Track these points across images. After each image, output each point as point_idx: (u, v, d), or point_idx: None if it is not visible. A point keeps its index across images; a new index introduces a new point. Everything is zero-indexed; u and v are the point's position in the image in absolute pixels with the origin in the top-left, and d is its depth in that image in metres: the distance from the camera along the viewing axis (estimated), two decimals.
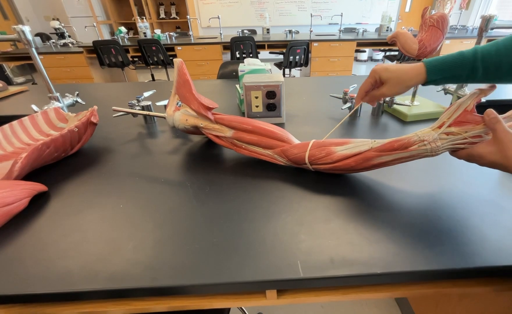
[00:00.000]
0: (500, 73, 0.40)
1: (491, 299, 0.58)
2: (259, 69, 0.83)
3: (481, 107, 0.46)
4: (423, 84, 0.46)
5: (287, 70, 2.98)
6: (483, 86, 0.41)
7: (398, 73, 0.45)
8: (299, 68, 3.01)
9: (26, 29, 0.66)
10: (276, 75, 0.76)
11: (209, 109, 0.56)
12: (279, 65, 3.02)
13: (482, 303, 0.61)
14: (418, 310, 0.90)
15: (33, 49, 0.68)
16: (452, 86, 0.85)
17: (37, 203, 0.48)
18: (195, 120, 0.59)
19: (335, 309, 1.04)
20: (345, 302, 1.07)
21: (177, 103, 0.65)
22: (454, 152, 0.43)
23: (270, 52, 3.23)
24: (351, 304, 1.05)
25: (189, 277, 0.35)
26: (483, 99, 0.80)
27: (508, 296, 0.53)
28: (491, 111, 0.37)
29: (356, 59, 5.31)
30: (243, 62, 0.88)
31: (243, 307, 0.87)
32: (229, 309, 0.59)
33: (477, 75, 0.41)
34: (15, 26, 0.65)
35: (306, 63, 2.89)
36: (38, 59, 0.71)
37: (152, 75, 3.27)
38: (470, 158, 0.40)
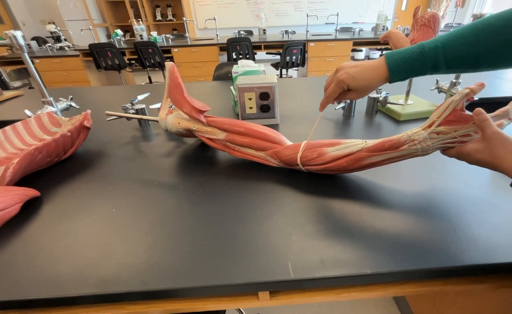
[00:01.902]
0: (461, 66, 0.39)
1: (486, 297, 0.58)
2: (253, 70, 0.83)
3: (474, 105, 0.46)
4: (389, 83, 0.45)
5: (284, 71, 2.99)
6: (472, 84, 0.41)
7: (366, 81, 0.44)
8: (295, 69, 3.01)
9: (18, 34, 0.66)
10: (269, 76, 0.76)
11: (201, 112, 0.57)
12: (275, 65, 3.02)
13: (477, 301, 0.61)
14: (415, 308, 0.91)
15: (25, 54, 0.68)
16: (445, 85, 0.86)
17: (30, 208, 0.48)
18: (187, 123, 0.59)
19: (333, 309, 1.04)
20: (343, 301, 1.07)
21: (170, 106, 0.65)
22: (445, 150, 0.43)
23: (266, 53, 3.23)
24: (349, 304, 1.06)
25: (182, 280, 0.35)
26: (476, 97, 0.81)
27: (502, 293, 0.53)
28: (479, 111, 0.37)
29: (353, 59, 5.32)
30: (237, 64, 0.89)
31: (241, 309, 0.86)
32: (224, 311, 0.59)
33: (440, 70, 0.40)
34: (6, 32, 0.65)
35: (302, 63, 2.89)
36: (30, 64, 0.71)
37: (149, 78, 3.27)
38: (459, 156, 0.41)
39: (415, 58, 0.40)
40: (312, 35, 3.35)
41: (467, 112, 0.40)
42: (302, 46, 2.74)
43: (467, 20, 4.64)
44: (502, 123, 0.41)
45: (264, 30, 3.35)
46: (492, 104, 0.91)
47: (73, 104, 0.86)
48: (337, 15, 3.37)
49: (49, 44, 3.31)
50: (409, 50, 0.41)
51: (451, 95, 0.84)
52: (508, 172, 0.33)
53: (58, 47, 3.28)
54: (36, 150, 0.53)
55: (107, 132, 0.79)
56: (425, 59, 0.40)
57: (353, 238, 0.39)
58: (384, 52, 0.46)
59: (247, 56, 2.85)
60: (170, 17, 4.98)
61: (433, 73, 0.41)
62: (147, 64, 2.91)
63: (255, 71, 0.83)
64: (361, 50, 5.16)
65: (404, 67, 0.41)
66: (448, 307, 0.72)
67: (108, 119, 0.77)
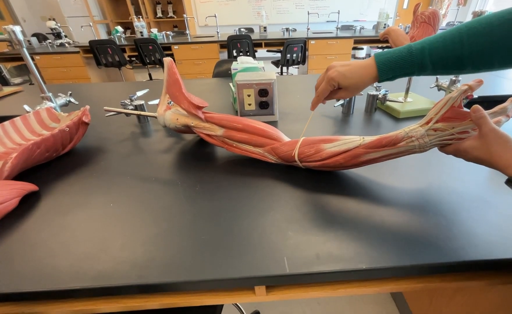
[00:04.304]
0: (447, 67, 0.40)
1: (483, 294, 0.58)
2: (252, 67, 0.83)
3: (473, 103, 0.46)
4: (378, 82, 0.46)
5: (284, 69, 2.98)
6: (470, 81, 0.41)
7: (355, 79, 0.45)
8: (296, 66, 3.00)
9: (17, 29, 0.66)
10: (268, 73, 0.76)
11: (199, 108, 0.56)
12: (276, 63, 3.01)
13: (474, 298, 0.61)
14: (413, 305, 0.91)
15: (24, 49, 0.68)
16: (445, 82, 0.86)
17: (28, 202, 0.48)
18: (185, 119, 0.59)
19: (332, 305, 1.05)
20: (342, 298, 1.07)
21: (169, 102, 0.65)
22: (442, 147, 0.43)
23: (267, 50, 3.22)
24: (347, 301, 1.06)
25: (178, 274, 0.35)
26: (475, 95, 0.80)
27: (499, 290, 0.53)
28: (477, 108, 0.37)
29: (354, 57, 5.30)
30: (236, 61, 0.88)
31: (239, 305, 0.87)
32: (222, 306, 0.59)
33: (427, 71, 0.41)
34: (5, 27, 0.65)
35: (303, 61, 2.88)
36: (29, 59, 0.71)
37: (150, 75, 3.27)
38: (456, 153, 0.41)
39: (402, 58, 0.41)
40: (313, 33, 3.34)
41: (465, 110, 0.40)
42: (303, 44, 2.74)
43: (469, 18, 4.60)
44: (500, 120, 0.41)
45: (265, 27, 3.34)
46: (491, 102, 0.91)
47: (72, 100, 0.86)
48: (338, 13, 3.35)
49: (50, 41, 3.30)
50: (398, 51, 0.42)
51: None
52: (504, 170, 0.33)
53: (58, 44, 3.27)
54: (34, 145, 0.53)
55: (106, 128, 0.79)
56: (412, 59, 0.41)
57: (349, 234, 0.40)
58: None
59: (248, 53, 2.84)
60: (170, 14, 4.97)
61: (420, 73, 0.42)
62: (148, 61, 2.90)
63: (254, 67, 0.83)
64: (362, 48, 5.15)
65: (392, 67, 0.42)
66: (445, 304, 0.72)
67: (106, 115, 0.77)
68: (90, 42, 2.72)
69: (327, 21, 4.80)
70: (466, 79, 0.50)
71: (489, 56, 0.37)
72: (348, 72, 0.45)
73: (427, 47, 0.40)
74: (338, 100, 0.81)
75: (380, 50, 0.45)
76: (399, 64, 0.42)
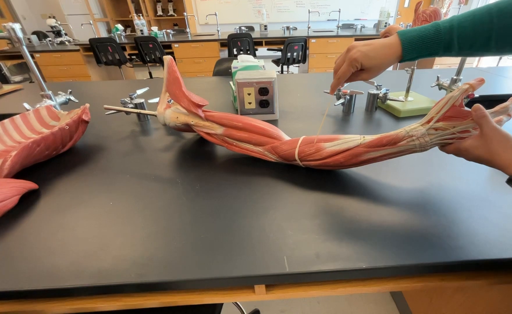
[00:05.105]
0: (473, 48, 0.39)
1: (482, 293, 0.58)
2: (252, 65, 0.83)
3: (474, 102, 0.46)
4: (399, 62, 0.44)
5: (285, 67, 2.97)
6: (471, 80, 0.41)
7: (379, 60, 0.43)
8: (297, 65, 2.99)
9: (16, 26, 0.66)
10: (268, 72, 0.76)
11: (199, 106, 0.56)
12: (276, 62, 3.00)
13: (473, 298, 0.61)
14: (413, 305, 0.91)
15: (24, 47, 0.68)
16: (446, 81, 0.85)
17: (28, 200, 0.48)
18: (185, 117, 0.59)
19: (331, 304, 1.05)
20: (341, 298, 1.07)
21: (169, 101, 0.65)
22: (443, 147, 0.43)
23: (268, 49, 3.22)
24: (347, 300, 1.06)
25: (177, 273, 0.35)
26: (476, 94, 0.80)
27: (499, 289, 0.53)
28: (478, 107, 0.37)
29: None
30: (236, 59, 0.88)
31: (239, 303, 0.87)
32: (221, 305, 0.60)
33: (452, 52, 0.40)
34: (5, 24, 0.65)
35: (304, 59, 2.87)
36: (29, 56, 0.71)
37: (150, 73, 3.26)
38: (457, 153, 0.40)
39: (429, 37, 0.40)
40: (314, 31, 3.33)
41: (466, 109, 0.40)
42: (303, 43, 2.73)
43: None
44: (501, 119, 0.41)
45: (265, 26, 3.33)
46: (492, 101, 0.90)
47: (72, 98, 0.86)
48: (339, 12, 3.34)
49: (50, 39, 3.29)
50: (424, 28, 0.40)
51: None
52: (505, 169, 0.33)
53: (58, 42, 3.26)
54: (34, 143, 0.53)
55: (106, 126, 0.78)
56: (439, 38, 0.39)
57: (349, 233, 0.39)
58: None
59: (248, 52, 2.83)
60: (171, 12, 4.96)
61: (444, 54, 0.41)
62: (148, 59, 2.90)
63: (255, 66, 0.83)
64: None
65: (418, 45, 0.41)
66: (445, 303, 0.72)
67: (106, 113, 0.77)
68: (90, 40, 2.72)
69: (327, 20, 4.79)
70: (467, 78, 0.50)
71: None
72: (371, 52, 0.43)
73: (456, 25, 0.38)
74: (341, 96, 0.81)
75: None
76: (425, 43, 0.40)
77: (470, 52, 0.40)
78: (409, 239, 0.38)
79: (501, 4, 0.36)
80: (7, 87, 1.18)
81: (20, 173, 0.55)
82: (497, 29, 0.37)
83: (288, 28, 3.30)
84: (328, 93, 0.48)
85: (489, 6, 0.37)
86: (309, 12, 3.36)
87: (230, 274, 0.35)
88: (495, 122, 0.36)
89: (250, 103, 0.75)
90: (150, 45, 2.79)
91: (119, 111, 0.71)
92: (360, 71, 0.45)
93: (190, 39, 3.06)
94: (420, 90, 0.94)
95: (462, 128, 0.40)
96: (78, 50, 2.91)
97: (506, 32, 0.36)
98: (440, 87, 0.86)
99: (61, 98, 0.82)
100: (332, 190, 0.48)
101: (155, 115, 0.64)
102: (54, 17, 3.61)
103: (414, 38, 0.41)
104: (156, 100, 0.84)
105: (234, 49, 2.80)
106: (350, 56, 0.44)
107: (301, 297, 0.40)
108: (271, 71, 0.77)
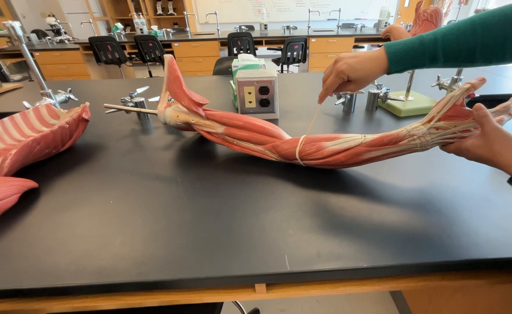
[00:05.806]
0: (459, 60, 0.39)
1: (482, 293, 0.58)
2: (253, 64, 0.82)
3: (475, 102, 0.46)
4: (387, 74, 0.45)
5: (285, 67, 2.97)
6: (473, 80, 0.40)
7: (365, 72, 0.43)
8: (297, 64, 2.99)
9: (16, 24, 0.66)
10: (269, 71, 0.76)
11: (200, 105, 0.56)
12: (276, 61, 3.00)
13: (473, 297, 0.61)
14: (412, 305, 0.91)
15: (24, 45, 0.68)
16: (447, 81, 0.85)
17: (28, 199, 0.48)
18: (186, 116, 0.59)
19: (331, 303, 1.05)
20: (341, 297, 1.07)
21: (169, 99, 0.65)
22: (444, 146, 0.43)
23: (268, 48, 3.21)
24: (347, 299, 1.06)
25: (178, 272, 0.35)
26: (477, 94, 0.80)
27: (498, 289, 0.53)
28: (479, 106, 0.37)
29: None
30: (237, 58, 0.88)
31: (238, 303, 0.87)
32: (222, 304, 0.60)
33: (438, 63, 0.40)
34: (5, 22, 0.64)
35: (304, 59, 2.87)
36: (28, 54, 0.71)
37: (150, 72, 3.25)
38: (458, 152, 0.40)
39: (414, 50, 0.40)
40: (314, 31, 3.32)
41: (467, 108, 0.40)
42: (304, 42, 2.72)
43: None
44: (502, 118, 0.40)
45: (265, 25, 3.33)
46: (493, 101, 0.90)
47: (71, 96, 0.85)
48: (339, 11, 3.34)
49: (49, 37, 3.29)
50: (409, 41, 0.41)
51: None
52: (506, 168, 0.33)
53: (58, 40, 3.26)
54: (34, 141, 0.52)
55: (106, 125, 0.78)
56: (424, 50, 0.40)
57: (350, 232, 0.39)
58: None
59: (248, 51, 2.83)
60: (171, 11, 4.95)
61: (431, 65, 0.41)
62: (148, 58, 2.89)
63: (255, 65, 0.83)
64: (363, 47, 5.11)
65: (403, 58, 0.41)
66: (445, 303, 0.72)
67: (106, 111, 0.77)
68: (90, 39, 2.71)
69: (328, 19, 4.79)
70: (468, 78, 0.50)
71: (502, 48, 0.36)
72: (357, 65, 0.43)
73: (440, 38, 0.39)
74: (339, 97, 0.81)
75: (379, 47, 0.43)
76: (410, 56, 0.40)
77: (456, 63, 0.40)
78: (410, 239, 0.38)
79: (484, 16, 0.37)
80: (6, 86, 1.17)
81: (20, 172, 0.55)
82: (481, 40, 0.37)
83: (288, 27, 3.30)
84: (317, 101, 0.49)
85: (473, 18, 0.38)
86: (309, 11, 3.35)
87: (230, 273, 0.35)
88: (496, 122, 0.36)
89: (250, 102, 0.75)
90: (150, 44, 2.78)
91: (119, 109, 0.70)
92: (347, 82, 0.46)
93: (190, 38, 3.06)
94: (421, 90, 0.94)
95: (463, 127, 0.40)
96: (77, 49, 2.91)
97: (491, 43, 0.37)
98: (441, 86, 0.86)
99: (61, 96, 0.82)
100: (333, 189, 0.48)
101: (156, 114, 0.64)
102: (53, 16, 3.60)
103: (399, 51, 0.41)
104: (156, 98, 0.84)
105: (234, 48, 2.80)
106: (337, 68, 0.45)
107: (302, 296, 0.40)
108: (271, 70, 0.77)
